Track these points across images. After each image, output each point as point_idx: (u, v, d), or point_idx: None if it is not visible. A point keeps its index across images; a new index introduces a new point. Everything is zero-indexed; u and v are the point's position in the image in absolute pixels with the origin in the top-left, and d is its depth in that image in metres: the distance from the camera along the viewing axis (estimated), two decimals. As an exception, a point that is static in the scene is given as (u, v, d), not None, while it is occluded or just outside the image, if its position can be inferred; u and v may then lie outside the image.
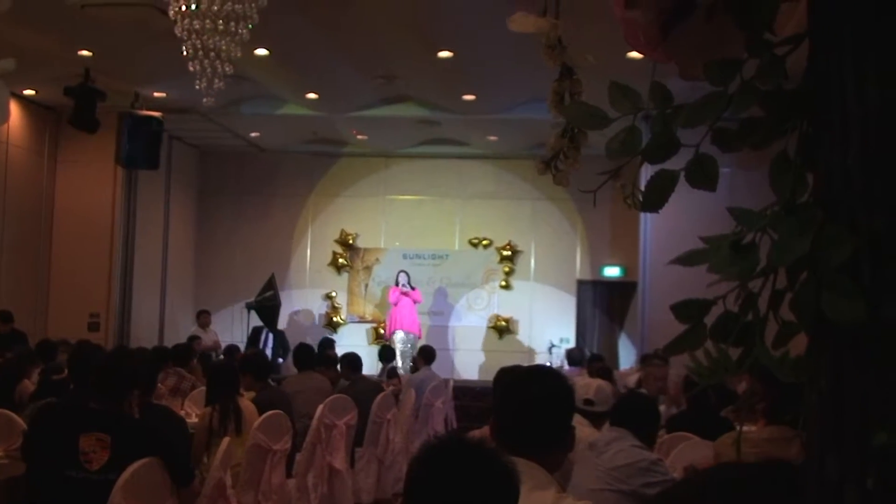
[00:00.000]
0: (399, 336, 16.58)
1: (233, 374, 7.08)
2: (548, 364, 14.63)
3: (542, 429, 2.70)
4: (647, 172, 1.22)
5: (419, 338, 16.74)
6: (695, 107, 1.14)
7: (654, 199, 1.18)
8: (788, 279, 1.02)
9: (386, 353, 13.45)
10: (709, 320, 1.09)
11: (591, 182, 1.44)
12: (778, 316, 1.07)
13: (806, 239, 0.98)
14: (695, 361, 1.08)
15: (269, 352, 15.98)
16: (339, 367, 10.68)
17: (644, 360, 12.02)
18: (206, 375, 7.46)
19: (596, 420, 5.38)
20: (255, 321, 16.97)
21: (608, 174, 1.25)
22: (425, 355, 12.64)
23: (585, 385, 5.67)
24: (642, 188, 1.23)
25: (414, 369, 13.34)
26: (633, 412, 4.70)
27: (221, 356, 14.08)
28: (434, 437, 2.10)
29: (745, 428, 4.90)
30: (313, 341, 15.15)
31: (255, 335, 16.72)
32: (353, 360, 10.11)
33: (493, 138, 16.84)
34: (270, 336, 16.79)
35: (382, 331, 17.72)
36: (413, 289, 17.07)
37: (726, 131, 1.15)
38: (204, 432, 6.58)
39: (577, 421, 5.72)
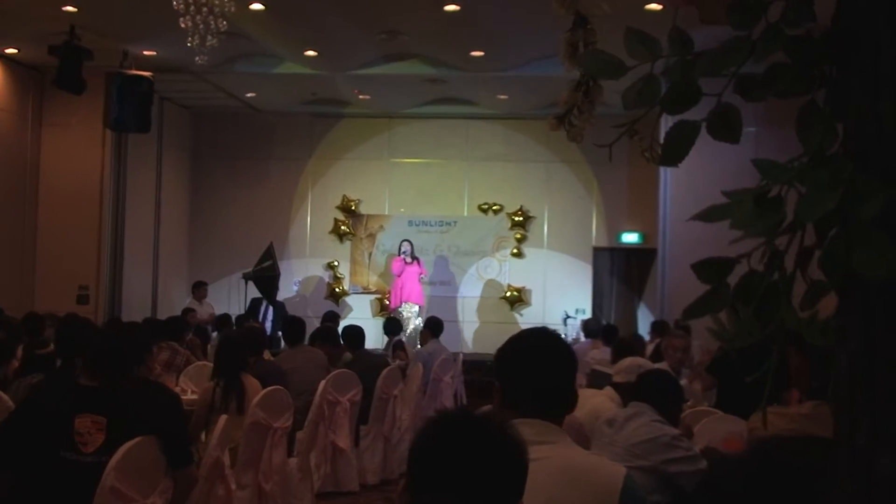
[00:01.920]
0: (407, 308, 16.61)
1: (240, 347, 7.10)
2: (563, 336, 14.64)
3: (542, 388, 2.74)
4: (665, 126, 1.21)
5: (423, 307, 16.80)
6: (716, 53, 1.12)
7: (674, 151, 1.17)
8: (817, 235, 1.01)
9: (391, 326, 13.46)
10: (732, 281, 1.08)
11: (606, 142, 1.43)
12: (806, 275, 1.06)
13: (835, 192, 0.97)
14: (717, 325, 1.07)
15: (268, 325, 16.00)
16: (335, 341, 10.66)
17: (657, 328, 12.02)
18: (215, 349, 7.47)
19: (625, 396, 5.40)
20: (253, 293, 17.00)
21: (625, 126, 1.24)
22: (432, 327, 12.65)
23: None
24: (661, 142, 1.22)
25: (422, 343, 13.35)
26: (655, 387, 4.71)
27: (214, 331, 14.15)
28: (439, 411, 2.12)
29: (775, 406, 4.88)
30: (315, 314, 15.22)
31: (253, 307, 16.75)
32: (354, 334, 10.09)
33: (503, 97, 16.77)
34: (270, 308, 16.82)
35: (388, 301, 17.73)
36: (416, 259, 17.05)
37: (750, 79, 1.14)
38: (204, 408, 6.60)
39: (606, 395, 5.76)
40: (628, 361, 5.94)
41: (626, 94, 1.18)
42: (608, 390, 5.82)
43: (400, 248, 17.13)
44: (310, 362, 8.80)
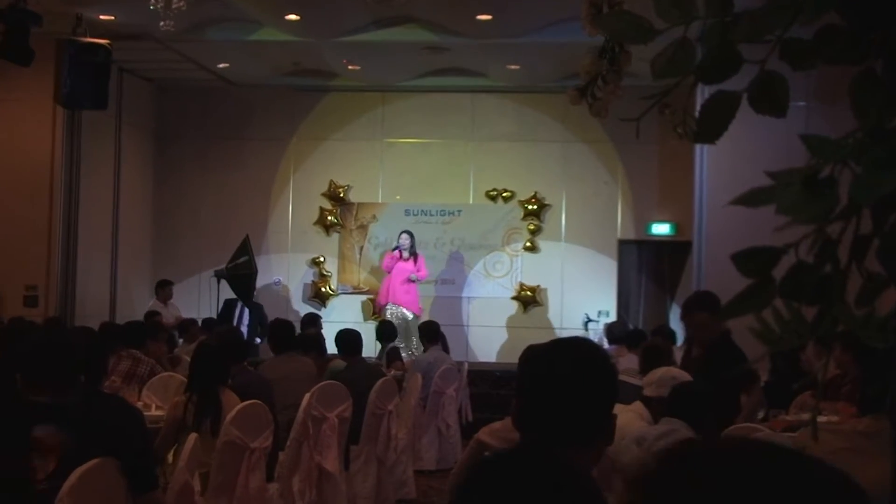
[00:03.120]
0: (393, 311, 16.40)
1: (221, 356, 7.11)
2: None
3: (575, 413, 2.71)
4: (701, 98, 1.21)
5: (418, 316, 16.49)
6: (759, 14, 1.13)
7: (711, 126, 1.17)
8: (874, 221, 1.02)
9: (385, 331, 13.46)
10: (778, 274, 1.09)
11: (633, 117, 1.43)
12: (862, 267, 1.06)
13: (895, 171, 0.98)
14: (761, 324, 1.07)
15: (244, 330, 16.00)
16: (320, 349, 10.65)
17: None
18: (191, 358, 7.47)
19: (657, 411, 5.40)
20: (227, 293, 17.00)
21: (655, 98, 1.25)
22: (427, 334, 12.66)
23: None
24: (696, 116, 1.23)
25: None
26: (691, 401, 4.71)
27: (181, 337, 14.17)
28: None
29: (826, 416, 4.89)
30: (297, 317, 15.20)
31: (226, 310, 16.76)
32: (350, 339, 10.07)
33: (514, 67, 16.75)
34: (246, 311, 16.81)
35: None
36: (416, 256, 16.77)
37: (798, 44, 1.14)
38: (173, 426, 6.59)
39: (634, 411, 5.76)
40: (660, 372, 5.92)
41: (657, 62, 1.18)
42: (637, 405, 5.81)
43: (398, 242, 16.82)
44: (299, 372, 8.81)
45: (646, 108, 1.35)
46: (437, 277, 17.93)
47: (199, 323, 14.39)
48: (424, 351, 12.81)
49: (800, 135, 1.11)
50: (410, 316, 16.42)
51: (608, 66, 1.91)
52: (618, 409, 5.78)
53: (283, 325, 9.83)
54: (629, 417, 5.62)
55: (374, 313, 17.80)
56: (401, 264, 16.57)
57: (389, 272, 16.67)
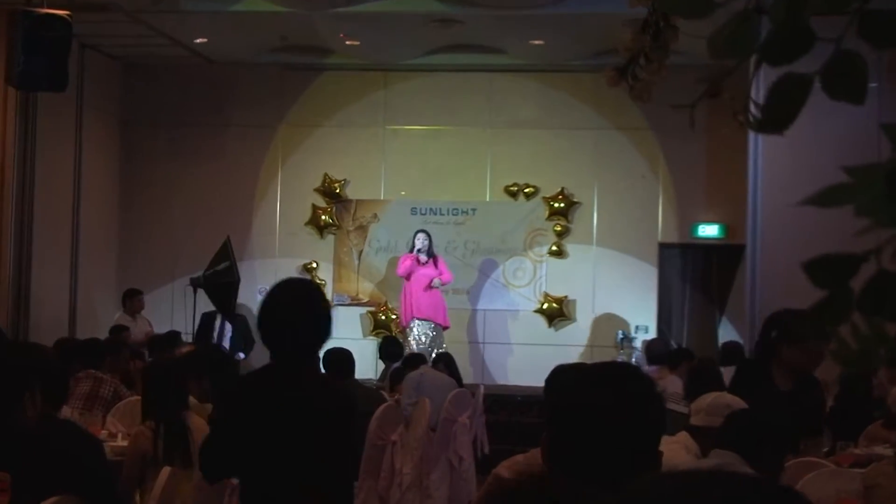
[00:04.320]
0: (418, 326, 16.27)
1: (179, 377, 7.12)
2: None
3: (616, 450, 2.71)
4: (759, 83, 1.21)
5: (445, 328, 16.51)
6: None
7: (779, 114, 1.17)
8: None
9: (389, 349, 13.44)
10: (856, 284, 1.09)
11: (680, 100, 1.43)
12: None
13: None
14: (838, 342, 1.08)
15: (226, 345, 16.01)
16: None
17: (733, 352, 12.02)
18: (143, 379, 7.51)
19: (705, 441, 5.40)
20: (205, 304, 17.01)
21: (712, 82, 1.25)
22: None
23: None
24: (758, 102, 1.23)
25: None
26: (747, 432, 4.71)
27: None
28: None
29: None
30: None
31: (205, 324, 16.72)
32: (340, 359, 10.06)
33: (537, 42, 16.73)
34: (227, 324, 16.74)
35: (384, 316, 17.72)
36: (434, 258, 16.62)
37: (879, 17, 1.14)
38: (137, 460, 6.61)
39: (679, 442, 5.75)
40: (711, 398, 5.89)
41: (714, 39, 1.18)
42: (683, 436, 5.80)
43: (413, 243, 16.71)
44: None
45: (699, 92, 1.36)
46: (447, 287, 17.75)
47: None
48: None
49: (881, 125, 1.11)
50: (438, 330, 16.34)
51: (652, 43, 1.91)
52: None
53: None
54: (673, 449, 5.60)
55: (375, 328, 17.79)
56: (421, 269, 16.46)
57: (408, 279, 16.56)
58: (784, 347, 6.16)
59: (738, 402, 5.82)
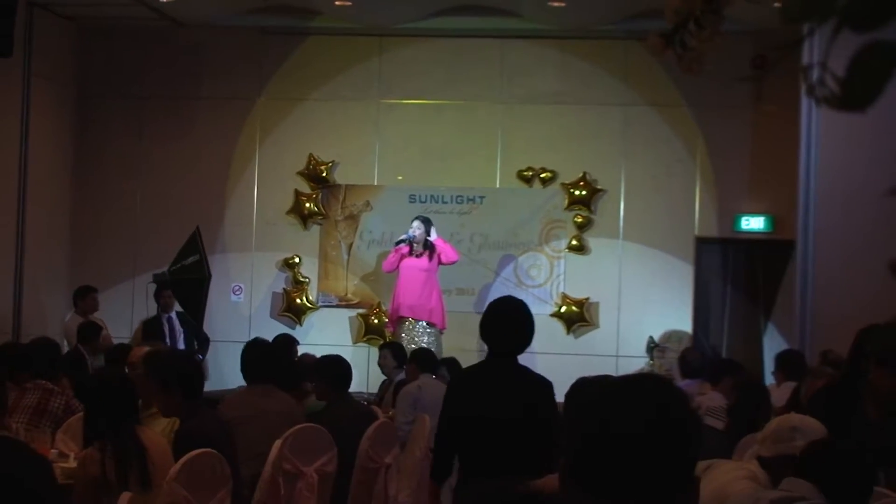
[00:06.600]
0: (407, 328, 16.24)
1: (128, 388, 7.12)
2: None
3: (645, 476, 2.70)
4: (809, 52, 1.18)
5: (442, 330, 16.52)
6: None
7: (862, 89, 1.14)
8: None
9: (425, 356, 13.38)
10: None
11: (721, 73, 1.40)
12: None
13: None
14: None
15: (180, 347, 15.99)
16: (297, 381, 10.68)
17: (788, 363, 12.00)
18: (85, 396, 7.53)
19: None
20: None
21: (781, 48, 1.22)
22: (420, 360, 12.60)
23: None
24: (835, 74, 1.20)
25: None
26: (831, 462, 4.70)
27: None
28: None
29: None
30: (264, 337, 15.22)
31: (152, 327, 16.39)
32: (336, 370, 10.06)
33: (557, 3, 16.75)
34: (177, 324, 16.56)
35: (377, 320, 17.70)
36: (429, 251, 16.45)
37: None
38: (88, 485, 6.61)
39: (742, 470, 5.70)
40: (776, 424, 5.79)
41: (790, 2, 1.15)
42: (749, 466, 5.74)
43: (408, 232, 16.59)
44: (273, 413, 8.78)
45: (751, 64, 1.32)
46: (451, 286, 17.74)
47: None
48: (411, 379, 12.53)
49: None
50: (434, 334, 16.32)
51: (704, 5, 1.88)
52: (720, 469, 5.71)
53: (260, 348, 9.72)
54: (731, 479, 5.48)
55: (366, 334, 17.81)
56: (410, 262, 16.41)
57: (391, 271, 16.63)
58: (873, 367, 6.07)
59: (808, 423, 5.73)
